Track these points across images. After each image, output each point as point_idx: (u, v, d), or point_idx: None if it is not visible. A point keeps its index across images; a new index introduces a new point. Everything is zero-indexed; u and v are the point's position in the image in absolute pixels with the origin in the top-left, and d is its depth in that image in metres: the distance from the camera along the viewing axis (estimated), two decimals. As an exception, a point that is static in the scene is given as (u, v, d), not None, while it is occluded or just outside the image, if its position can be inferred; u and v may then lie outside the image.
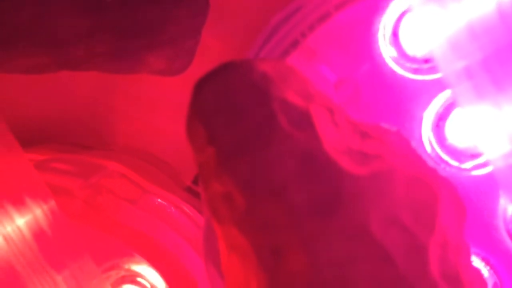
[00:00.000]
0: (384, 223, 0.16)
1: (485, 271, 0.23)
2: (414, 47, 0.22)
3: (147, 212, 0.25)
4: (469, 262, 0.18)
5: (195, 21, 0.28)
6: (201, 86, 0.17)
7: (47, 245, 0.21)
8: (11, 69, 0.29)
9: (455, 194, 0.18)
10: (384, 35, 0.22)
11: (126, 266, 0.24)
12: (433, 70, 0.22)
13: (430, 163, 0.18)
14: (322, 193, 0.15)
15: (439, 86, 0.22)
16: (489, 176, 0.22)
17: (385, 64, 0.22)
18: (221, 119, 0.16)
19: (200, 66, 0.31)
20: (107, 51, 0.28)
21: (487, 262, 0.23)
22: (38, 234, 0.20)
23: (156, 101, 0.31)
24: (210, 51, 0.30)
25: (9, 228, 0.18)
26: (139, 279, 0.24)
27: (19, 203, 0.20)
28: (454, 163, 0.22)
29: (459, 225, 0.18)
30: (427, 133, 0.22)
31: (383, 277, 0.16)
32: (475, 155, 0.22)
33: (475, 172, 0.22)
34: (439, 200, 0.17)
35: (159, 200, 0.26)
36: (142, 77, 0.30)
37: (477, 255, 0.23)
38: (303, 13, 0.23)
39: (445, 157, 0.22)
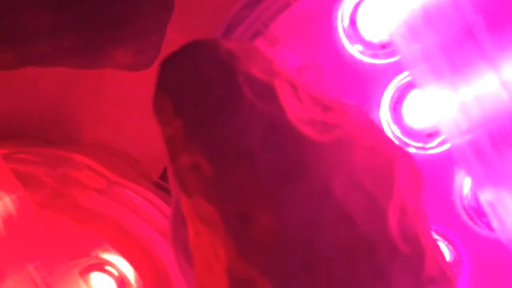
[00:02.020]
0: (346, 186, 0.16)
1: (444, 247, 0.24)
2: (371, 33, 0.23)
3: (115, 201, 0.25)
4: (427, 229, 0.19)
5: (160, 16, 0.29)
6: (169, 61, 0.18)
7: (17, 233, 0.21)
8: (-27, 65, 0.29)
9: (412, 164, 0.19)
10: (342, 22, 0.23)
11: (95, 254, 0.24)
12: (389, 54, 0.23)
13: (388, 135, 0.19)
14: (287, 158, 0.16)
15: (395, 70, 0.23)
16: (444, 154, 0.23)
17: (344, 50, 0.23)
18: (188, 92, 0.17)
19: (165, 62, 0.31)
20: (72, 46, 0.28)
21: (445, 238, 0.24)
22: (8, 222, 0.20)
23: (122, 97, 0.31)
24: (175, 47, 0.30)
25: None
26: (107, 267, 0.25)
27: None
28: (411, 142, 0.23)
29: (417, 193, 0.19)
30: (385, 115, 0.23)
31: (346, 237, 0.16)
32: (430, 135, 0.23)
33: (431, 151, 0.23)
34: (396, 167, 0.18)
35: (127, 191, 0.26)
36: (108, 73, 0.30)
37: (436, 232, 0.24)
38: (264, 3, 0.24)
39: (403, 138, 0.23)
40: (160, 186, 0.31)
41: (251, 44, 0.19)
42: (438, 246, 0.20)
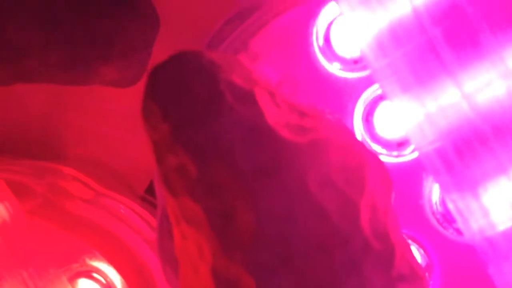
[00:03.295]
0: (320, 183, 0.18)
1: (415, 251, 0.26)
2: (344, 50, 0.25)
3: (104, 210, 0.26)
4: (397, 228, 0.21)
5: (147, 34, 0.30)
6: (156, 70, 0.19)
7: (10, 239, 0.22)
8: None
9: (381, 166, 0.20)
10: (317, 39, 0.25)
11: (83, 261, 0.25)
12: (360, 69, 0.25)
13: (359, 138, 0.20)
14: (266, 157, 0.17)
15: (366, 83, 0.25)
16: (414, 162, 0.25)
17: (319, 64, 0.24)
18: (174, 97, 0.18)
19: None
20: (61, 62, 0.29)
21: (416, 242, 0.25)
22: (1, 228, 0.21)
23: (107, 113, 0.33)
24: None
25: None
26: (95, 274, 0.25)
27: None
28: (382, 151, 0.24)
29: (386, 193, 0.20)
30: (358, 126, 0.25)
31: (320, 231, 0.18)
32: (400, 144, 0.25)
33: (401, 159, 0.25)
34: (367, 168, 0.19)
35: (114, 202, 0.27)
36: (94, 90, 0.31)
37: (407, 236, 0.25)
38: (244, 22, 0.26)
39: (375, 147, 0.25)
40: (146, 200, 0.32)
41: (232, 56, 0.21)
42: (408, 245, 0.21)
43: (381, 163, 0.20)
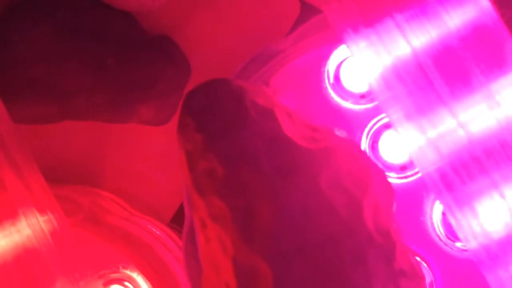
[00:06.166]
0: (330, 184, 0.21)
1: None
2: (352, 85, 0.28)
3: (138, 226, 0.29)
4: (399, 232, 0.23)
5: (180, 80, 0.34)
6: (192, 92, 0.23)
7: (60, 244, 0.25)
8: (19, 119, 0.34)
9: (383, 176, 0.23)
10: (328, 77, 0.28)
11: (118, 269, 0.27)
12: (366, 102, 0.28)
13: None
14: (284, 160, 0.21)
15: (371, 114, 0.28)
16: (415, 183, 0.28)
17: (331, 98, 0.28)
18: (207, 113, 0.22)
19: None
20: (105, 103, 0.33)
21: (421, 258, 0.28)
22: (52, 234, 0.25)
23: (139, 150, 0.36)
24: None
25: (33, 221, 0.23)
26: (127, 282, 0.28)
27: (41, 209, 0.24)
28: (387, 173, 0.27)
29: (388, 199, 0.23)
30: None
31: (330, 224, 0.20)
32: (403, 168, 0.28)
33: (404, 181, 0.28)
34: (370, 174, 0.22)
35: (147, 222, 0.30)
36: (130, 129, 0.35)
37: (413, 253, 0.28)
38: (266, 63, 0.29)
39: (380, 170, 0.28)
40: (172, 227, 0.35)
41: (256, 85, 0.24)
42: (409, 248, 0.24)
43: (383, 173, 0.23)
